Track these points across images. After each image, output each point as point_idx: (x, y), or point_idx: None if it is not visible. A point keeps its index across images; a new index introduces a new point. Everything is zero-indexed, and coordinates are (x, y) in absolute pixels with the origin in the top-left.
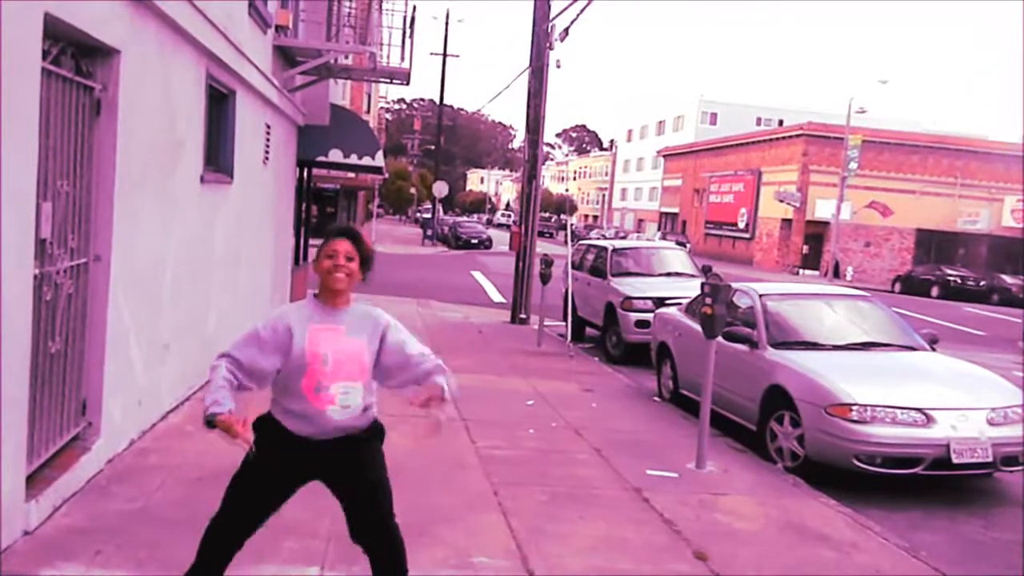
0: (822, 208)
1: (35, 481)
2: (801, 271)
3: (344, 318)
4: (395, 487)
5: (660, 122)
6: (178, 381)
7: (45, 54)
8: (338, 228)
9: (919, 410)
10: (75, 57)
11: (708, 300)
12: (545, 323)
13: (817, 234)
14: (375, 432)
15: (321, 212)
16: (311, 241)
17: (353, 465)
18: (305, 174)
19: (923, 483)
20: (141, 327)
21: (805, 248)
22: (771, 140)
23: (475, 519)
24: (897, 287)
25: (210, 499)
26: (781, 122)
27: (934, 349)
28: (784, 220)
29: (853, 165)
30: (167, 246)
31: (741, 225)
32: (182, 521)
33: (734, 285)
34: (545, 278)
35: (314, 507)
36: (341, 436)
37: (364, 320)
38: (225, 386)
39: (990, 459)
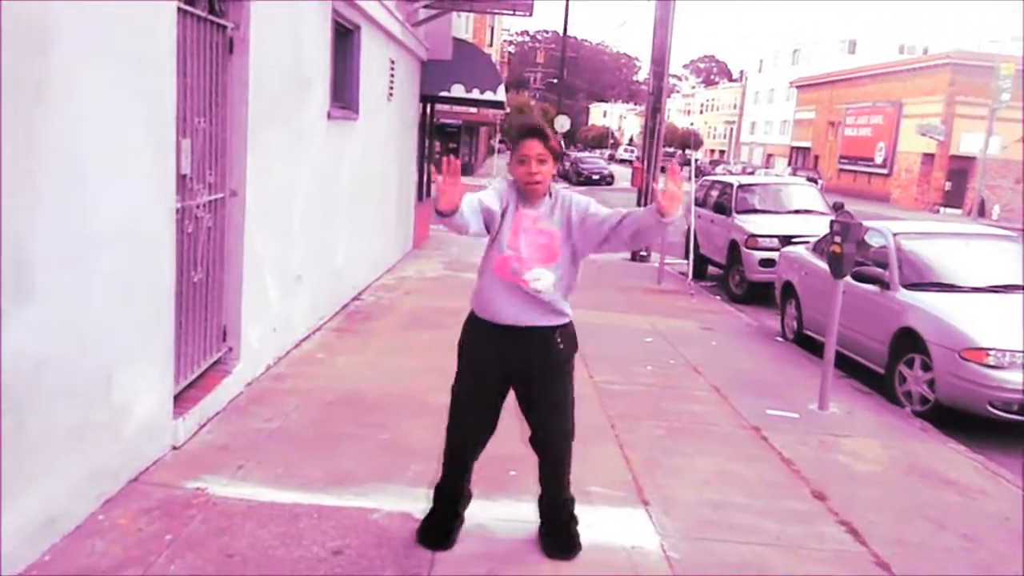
0: (968, 142)
1: (181, 400)
2: (942, 209)
3: (542, 205)
4: (515, 417)
5: (795, 51)
6: (309, 311)
7: None
8: (524, 127)
9: None
10: None
11: (837, 238)
12: (666, 261)
13: (961, 170)
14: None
15: (444, 147)
16: (434, 176)
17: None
18: (428, 109)
19: None
20: (274, 259)
21: (948, 185)
22: (914, 69)
23: (591, 450)
24: None
25: (341, 421)
26: (926, 50)
27: None
28: (926, 155)
29: (1005, 96)
30: (297, 181)
31: (878, 160)
32: (316, 440)
33: (866, 223)
34: None
35: (439, 433)
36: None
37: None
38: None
39: None
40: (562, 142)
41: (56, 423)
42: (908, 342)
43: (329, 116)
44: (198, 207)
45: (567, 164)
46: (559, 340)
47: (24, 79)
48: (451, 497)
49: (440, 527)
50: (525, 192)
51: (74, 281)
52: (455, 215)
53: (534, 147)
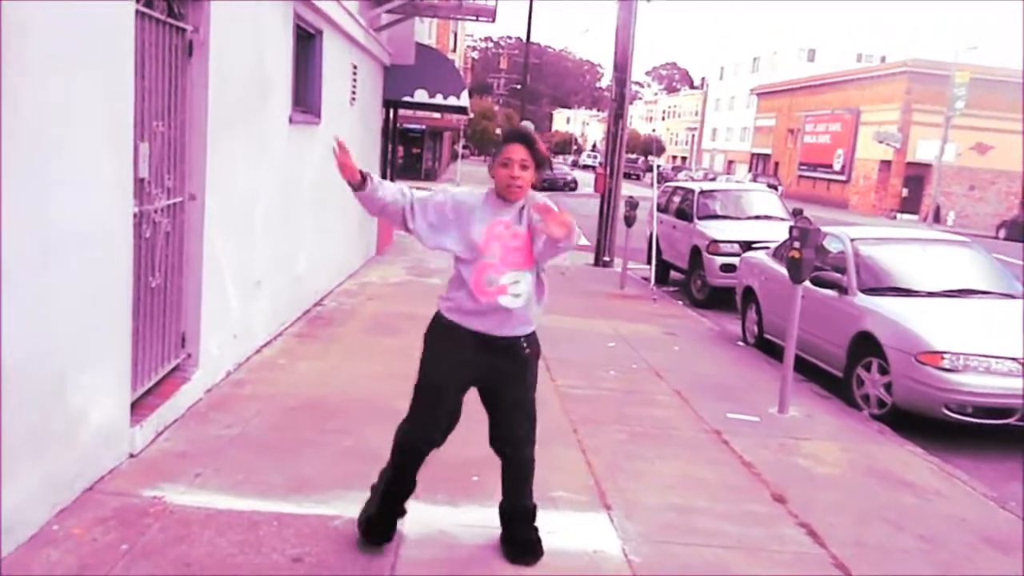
0: (924, 149)
1: (139, 407)
2: (899, 215)
3: (513, 211)
4: (477, 421)
5: (755, 59)
6: (270, 316)
7: None
8: (512, 131)
9: (1015, 359)
10: None
11: (796, 244)
12: (629, 266)
13: (918, 177)
14: (534, 344)
15: (407, 153)
16: (397, 182)
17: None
18: (391, 115)
19: (1015, 434)
20: (235, 264)
21: (904, 191)
22: (872, 77)
23: (554, 454)
24: (1002, 233)
25: (303, 427)
26: (883, 59)
27: None
28: (883, 162)
29: (959, 104)
30: (258, 186)
31: (837, 167)
32: (276, 447)
33: (824, 229)
34: (630, 221)
35: None
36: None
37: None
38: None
39: None
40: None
41: (11, 430)
42: (866, 346)
43: (291, 120)
44: (156, 211)
45: None
46: (525, 346)
47: None
48: (399, 495)
49: (386, 523)
50: (504, 195)
51: (31, 286)
52: (366, 188)
53: (518, 151)
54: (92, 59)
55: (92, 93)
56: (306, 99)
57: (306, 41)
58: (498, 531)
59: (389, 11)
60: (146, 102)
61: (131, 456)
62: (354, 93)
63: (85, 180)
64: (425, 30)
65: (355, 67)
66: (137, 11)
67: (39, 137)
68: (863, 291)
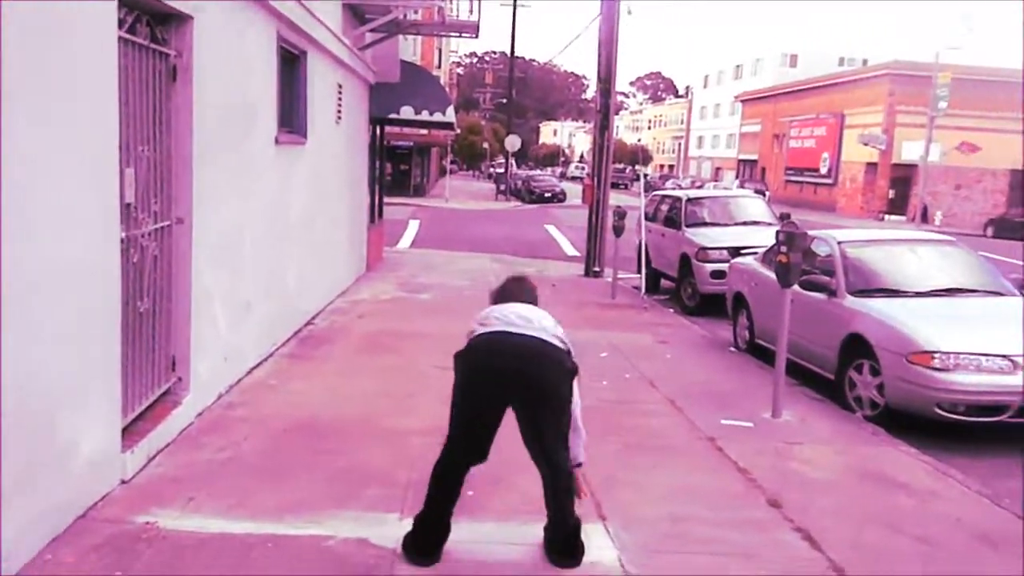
0: (909, 150)
1: (130, 433)
2: (887, 217)
3: None
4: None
5: (737, 66)
6: (261, 338)
7: (121, 23)
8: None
9: (1005, 356)
10: (150, 25)
11: (783, 248)
12: (619, 276)
13: (904, 178)
14: None
15: (395, 169)
16: (386, 199)
17: None
18: (378, 132)
19: (1007, 431)
20: (224, 286)
21: (891, 193)
22: (854, 81)
23: None
24: (989, 231)
25: (295, 448)
26: (865, 62)
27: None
28: (869, 164)
29: (942, 104)
30: (245, 207)
31: (823, 170)
32: (269, 469)
33: (811, 232)
34: (619, 230)
35: (395, 456)
36: None
37: None
38: None
39: None
40: None
41: (3, 460)
42: (857, 348)
43: (277, 141)
44: (143, 236)
45: (519, 183)
46: None
47: None
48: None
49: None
50: None
51: (19, 316)
52: None
53: None
54: (75, 85)
55: (75, 119)
56: (292, 120)
57: (291, 62)
58: (494, 546)
59: (373, 30)
60: (131, 127)
61: (123, 482)
62: (340, 112)
63: (71, 207)
64: (409, 47)
65: (340, 86)
66: (120, 37)
67: (22, 164)
68: (852, 293)
